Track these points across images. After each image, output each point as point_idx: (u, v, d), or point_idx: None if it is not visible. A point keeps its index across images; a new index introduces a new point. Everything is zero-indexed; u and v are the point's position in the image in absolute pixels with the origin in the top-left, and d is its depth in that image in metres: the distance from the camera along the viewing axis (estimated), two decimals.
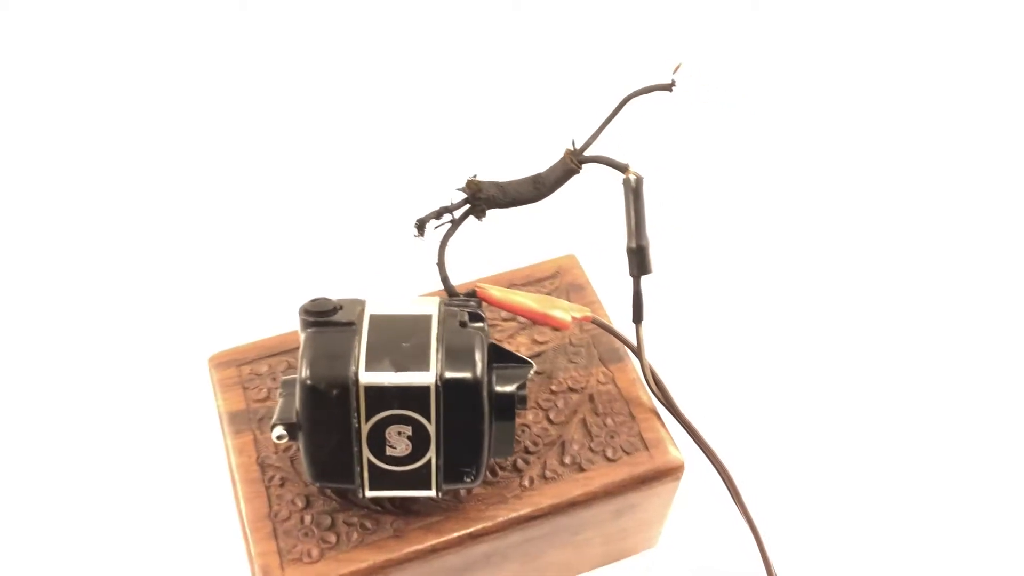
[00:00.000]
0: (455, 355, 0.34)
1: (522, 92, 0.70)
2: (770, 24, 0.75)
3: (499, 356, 0.36)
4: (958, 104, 0.71)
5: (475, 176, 0.39)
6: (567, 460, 0.40)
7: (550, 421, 0.42)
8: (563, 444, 0.41)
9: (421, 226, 0.38)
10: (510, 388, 0.36)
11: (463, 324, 0.36)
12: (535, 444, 0.41)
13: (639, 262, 0.39)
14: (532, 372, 0.37)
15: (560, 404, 0.42)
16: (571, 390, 0.43)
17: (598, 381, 0.43)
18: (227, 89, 0.69)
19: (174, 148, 0.64)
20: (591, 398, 0.42)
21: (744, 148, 0.67)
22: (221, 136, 0.66)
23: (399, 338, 0.34)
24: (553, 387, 0.43)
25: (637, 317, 0.40)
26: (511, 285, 0.46)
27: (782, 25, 0.75)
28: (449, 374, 0.34)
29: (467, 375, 0.34)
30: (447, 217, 0.39)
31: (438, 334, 0.35)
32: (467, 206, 0.39)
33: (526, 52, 0.73)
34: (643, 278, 0.40)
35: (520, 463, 0.40)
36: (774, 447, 0.51)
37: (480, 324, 0.36)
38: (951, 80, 0.72)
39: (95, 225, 0.60)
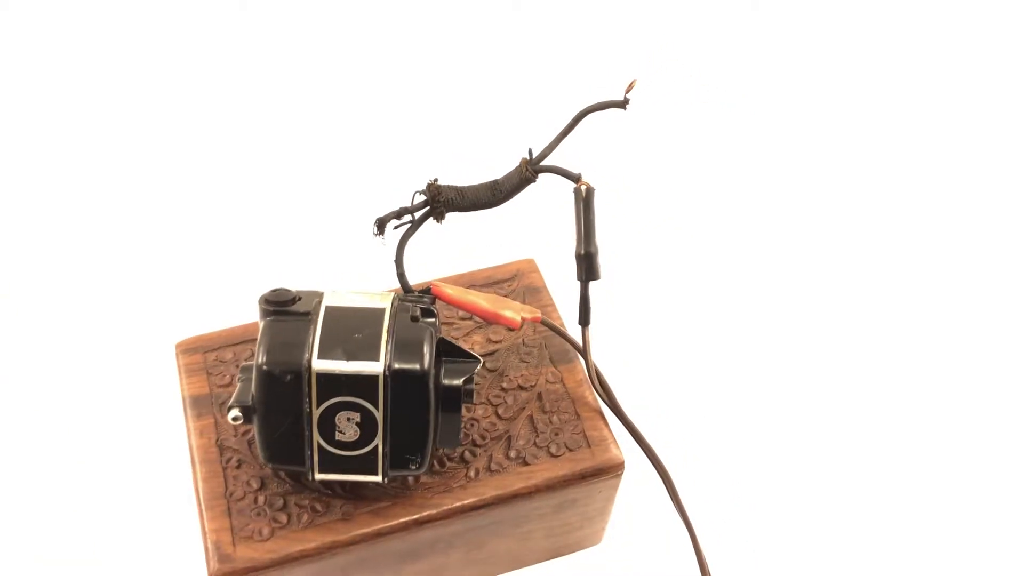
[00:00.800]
0: (404, 347, 0.36)
1: (486, 98, 0.72)
2: (770, 24, 0.76)
3: (449, 351, 0.38)
4: (956, 104, 0.72)
5: (436, 180, 0.42)
6: (512, 454, 0.42)
7: (499, 416, 0.44)
8: (509, 439, 0.43)
9: (381, 225, 0.40)
10: (457, 381, 0.38)
11: (414, 319, 0.38)
12: (483, 438, 0.43)
13: (587, 268, 0.41)
14: (479, 367, 0.39)
15: (509, 401, 0.44)
16: (521, 388, 0.45)
17: (547, 380, 0.45)
18: (197, 83, 0.71)
19: (146, 139, 0.66)
20: (539, 396, 0.44)
21: (730, 150, 0.69)
22: (193, 129, 0.67)
23: (352, 329, 0.36)
24: (504, 384, 0.45)
25: (584, 320, 0.42)
26: (471, 286, 0.48)
27: (782, 25, 0.76)
28: (397, 365, 0.36)
29: (415, 367, 0.36)
30: (407, 217, 0.41)
31: (389, 327, 0.37)
32: (427, 208, 0.41)
33: (493, 59, 0.75)
34: (595, 284, 0.42)
35: (467, 455, 0.42)
36: (714, 449, 0.53)
37: (431, 320, 0.38)
38: (949, 80, 0.73)
39: (73, 213, 0.62)
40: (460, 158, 0.62)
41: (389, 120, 0.69)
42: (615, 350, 0.51)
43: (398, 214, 0.41)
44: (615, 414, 0.44)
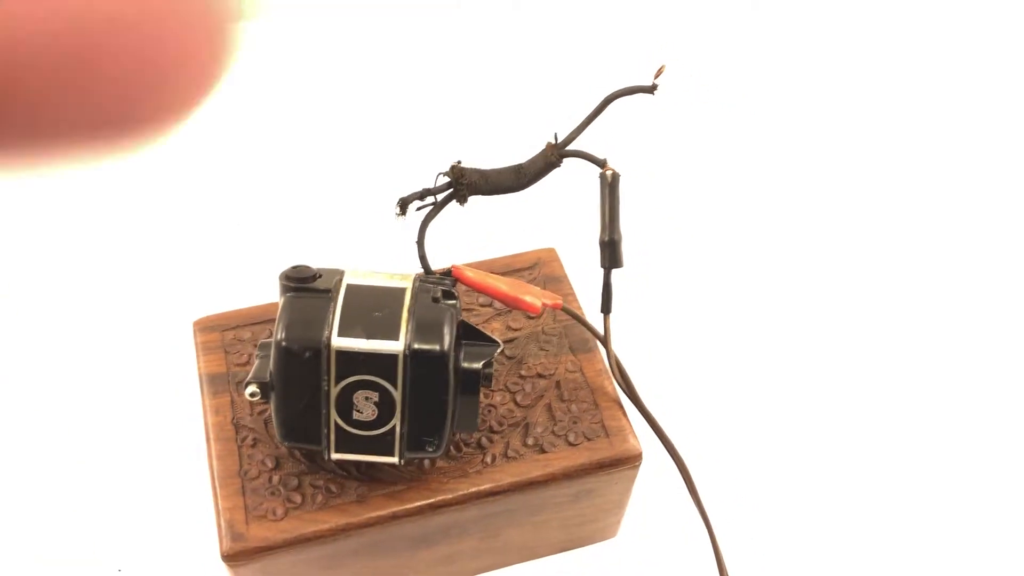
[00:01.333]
0: (425, 328, 0.36)
1: (510, 83, 0.71)
2: (770, 24, 0.76)
3: (468, 334, 0.38)
4: (958, 104, 0.71)
5: (459, 162, 0.41)
6: (530, 441, 0.42)
7: (516, 404, 0.43)
8: (527, 426, 0.42)
9: (404, 205, 0.40)
10: (476, 365, 0.37)
11: (435, 300, 0.37)
12: (500, 424, 0.42)
13: (610, 255, 0.41)
14: (499, 351, 0.38)
15: (528, 388, 0.44)
16: (539, 376, 0.44)
17: (566, 369, 0.44)
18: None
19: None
20: (558, 384, 0.44)
21: (738, 146, 0.69)
22: (213, 106, 0.67)
23: (372, 308, 0.36)
24: (522, 372, 0.44)
25: (606, 308, 0.42)
26: (490, 271, 0.47)
27: (782, 25, 0.76)
28: (417, 345, 0.36)
29: (434, 347, 0.36)
30: (430, 199, 0.41)
31: (410, 307, 0.36)
32: (450, 190, 0.41)
33: (517, 45, 0.75)
34: (617, 272, 0.42)
35: (484, 441, 0.42)
36: (733, 443, 0.52)
37: (452, 301, 0.38)
38: (951, 80, 0.73)
39: (91, 189, 0.62)
40: (484, 141, 0.62)
41: (413, 101, 0.69)
42: (637, 340, 0.51)
43: (421, 195, 0.40)
44: (634, 404, 0.43)
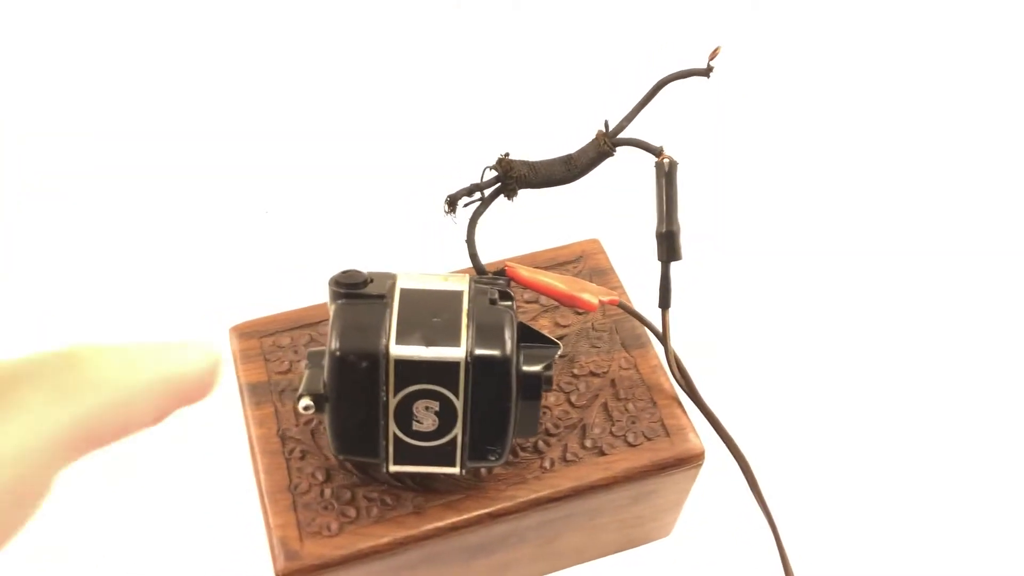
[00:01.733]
0: (485, 332, 0.34)
1: (553, 74, 0.69)
2: (770, 24, 0.75)
3: (527, 336, 0.36)
4: (961, 104, 0.70)
5: (507, 154, 0.39)
6: (588, 443, 0.40)
7: (571, 404, 0.41)
8: (584, 427, 0.41)
9: (452, 202, 0.38)
10: (537, 368, 0.35)
11: (493, 302, 0.35)
12: (556, 427, 0.41)
13: (669, 247, 0.39)
14: (558, 353, 0.37)
15: (582, 388, 0.42)
16: (593, 374, 0.42)
17: (620, 366, 0.43)
18: (262, 57, 0.69)
19: (205, 114, 0.64)
20: (613, 383, 0.42)
21: (774, 144, 0.67)
22: (253, 105, 0.65)
23: (430, 313, 0.34)
24: (575, 371, 0.42)
25: (664, 303, 0.40)
26: (535, 267, 0.45)
27: (782, 25, 0.75)
28: (479, 351, 0.34)
29: (497, 352, 0.34)
30: (478, 195, 0.39)
31: (468, 311, 0.35)
32: (498, 184, 0.39)
33: (555, 39, 0.72)
34: (672, 264, 0.40)
35: (541, 444, 0.40)
36: (795, 441, 0.51)
37: (509, 303, 0.36)
38: (954, 80, 0.72)
39: (127, 193, 0.60)
40: (525, 133, 0.60)
41: (460, 96, 0.67)
42: (693, 333, 0.49)
43: (469, 191, 0.38)
44: (694, 402, 0.42)
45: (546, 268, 0.46)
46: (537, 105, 0.66)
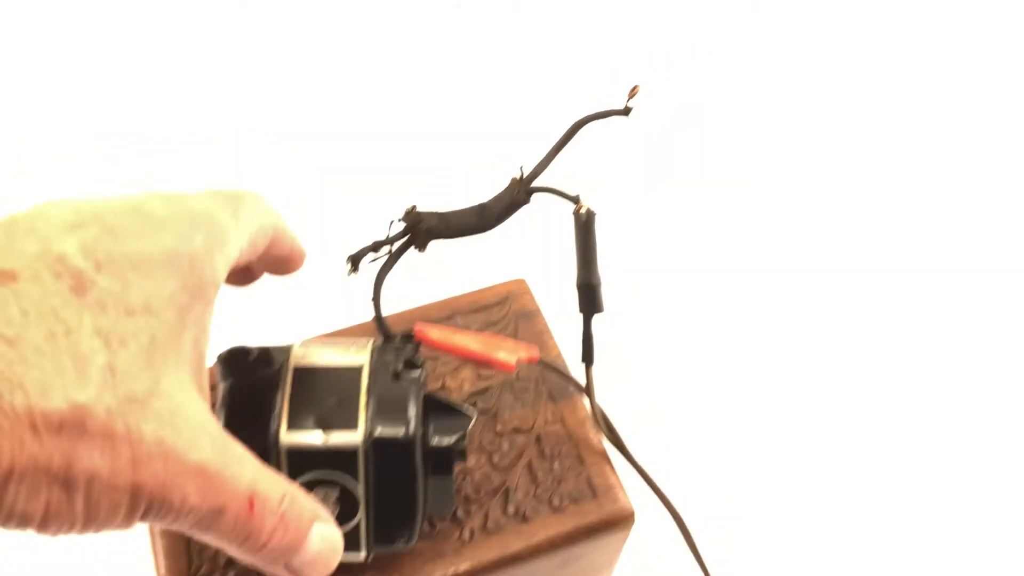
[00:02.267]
0: (386, 412, 0.31)
1: (467, 112, 0.66)
2: (770, 24, 0.73)
3: (436, 406, 0.34)
4: (960, 108, 0.68)
5: (414, 206, 0.36)
6: (510, 510, 0.38)
7: (493, 466, 0.39)
8: (507, 492, 0.38)
9: (355, 261, 0.35)
10: (448, 441, 0.33)
11: (396, 375, 0.33)
12: (477, 492, 0.38)
13: (589, 300, 0.37)
14: (472, 423, 0.34)
15: (505, 447, 0.39)
16: (517, 431, 0.40)
17: (546, 421, 0.40)
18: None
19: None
20: (538, 440, 0.40)
21: (735, 146, 0.64)
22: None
23: (326, 392, 0.31)
24: (498, 428, 0.40)
25: (587, 358, 0.38)
26: (455, 313, 0.43)
27: (782, 25, 0.73)
28: (379, 433, 0.31)
29: (399, 434, 0.31)
30: (385, 249, 0.36)
31: (368, 387, 0.32)
32: (406, 238, 0.36)
33: (475, 69, 0.69)
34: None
35: (460, 513, 0.37)
36: (732, 495, 0.48)
37: (416, 373, 0.33)
38: (953, 79, 0.70)
39: None
40: (442, 178, 0.56)
41: (361, 141, 0.63)
42: (622, 384, 0.47)
43: (374, 247, 0.35)
44: (626, 458, 0.39)
45: (469, 313, 0.43)
46: (452, 148, 0.63)
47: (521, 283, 0.44)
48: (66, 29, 0.68)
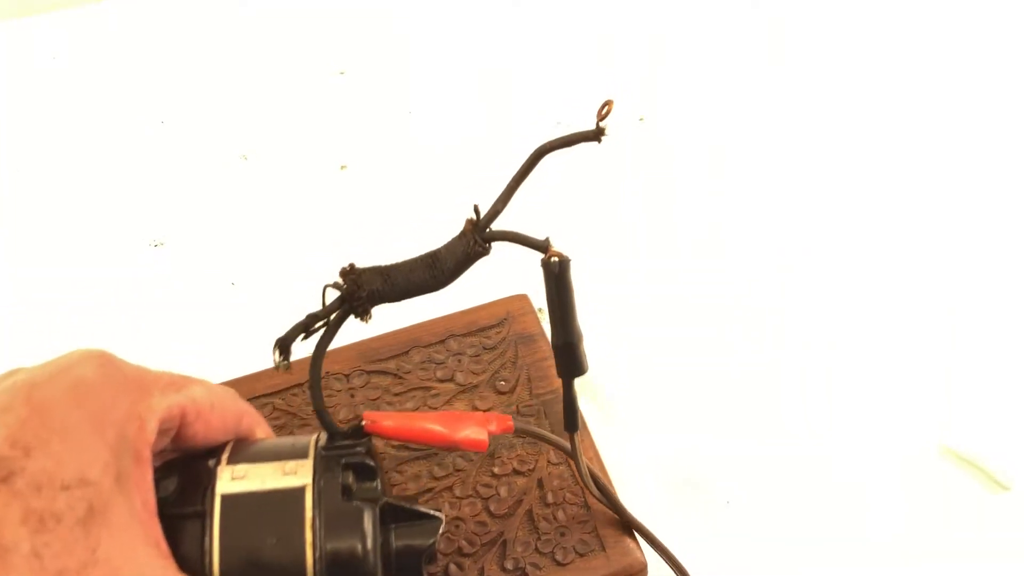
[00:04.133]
0: (337, 546, 0.28)
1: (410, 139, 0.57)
2: (770, 24, 0.68)
3: (399, 514, 0.30)
4: (960, 109, 0.60)
5: (352, 265, 0.30)
6: (509, 565, 0.35)
7: (490, 514, 0.35)
8: (505, 544, 0.35)
9: (284, 347, 0.30)
10: (414, 554, 0.29)
11: (346, 491, 0.28)
12: (471, 544, 0.35)
13: (569, 361, 0.30)
14: (442, 528, 0.30)
15: (503, 492, 0.36)
16: (516, 472, 0.36)
17: (549, 461, 0.36)
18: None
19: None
20: (540, 483, 0.36)
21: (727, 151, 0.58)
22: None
23: (263, 527, 0.28)
24: (495, 469, 0.36)
25: (571, 426, 0.32)
26: (449, 335, 0.37)
27: (782, 25, 0.68)
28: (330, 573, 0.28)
29: (355, 570, 0.28)
30: (320, 324, 0.31)
31: (313, 517, 0.28)
32: (343, 306, 0.31)
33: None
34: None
35: (453, 569, 0.35)
36: (741, 550, 0.41)
37: (370, 484, 0.29)
38: (953, 84, 0.62)
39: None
40: (382, 223, 0.48)
41: (285, 183, 0.55)
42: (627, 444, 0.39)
43: (305, 326, 0.30)
44: (621, 518, 0.34)
45: (464, 336, 0.38)
46: (393, 183, 0.54)
47: (523, 299, 0.38)
48: None
